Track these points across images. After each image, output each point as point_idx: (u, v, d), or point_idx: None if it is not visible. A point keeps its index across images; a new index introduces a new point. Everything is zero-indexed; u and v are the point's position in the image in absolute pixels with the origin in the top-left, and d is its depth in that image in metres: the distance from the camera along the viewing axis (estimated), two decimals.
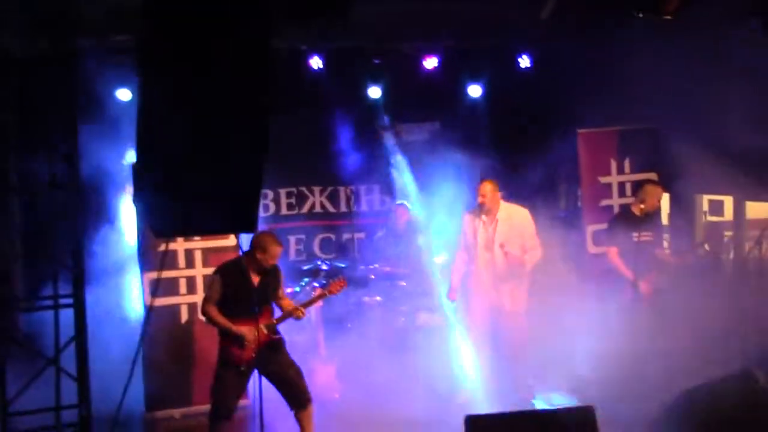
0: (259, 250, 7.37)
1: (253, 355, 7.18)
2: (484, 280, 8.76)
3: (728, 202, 10.59)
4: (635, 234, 8.61)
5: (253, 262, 7.41)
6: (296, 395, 7.52)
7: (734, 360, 7.74)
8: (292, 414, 7.61)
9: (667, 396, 7.20)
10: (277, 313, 7.63)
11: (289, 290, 9.92)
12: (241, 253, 7.68)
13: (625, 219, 9.20)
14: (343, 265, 10.70)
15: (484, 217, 8.76)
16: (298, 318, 7.63)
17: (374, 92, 11.69)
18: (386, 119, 12.21)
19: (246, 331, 7.27)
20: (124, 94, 10.32)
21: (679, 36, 8.42)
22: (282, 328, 7.61)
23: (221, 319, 7.35)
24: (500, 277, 8.68)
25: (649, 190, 9.18)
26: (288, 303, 7.78)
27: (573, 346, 8.76)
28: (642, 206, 8.94)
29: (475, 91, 12.05)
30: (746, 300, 8.72)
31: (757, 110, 8.01)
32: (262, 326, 7.40)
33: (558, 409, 6.30)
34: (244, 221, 5.77)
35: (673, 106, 9.20)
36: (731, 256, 10.40)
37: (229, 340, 7.34)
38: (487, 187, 8.72)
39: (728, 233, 10.60)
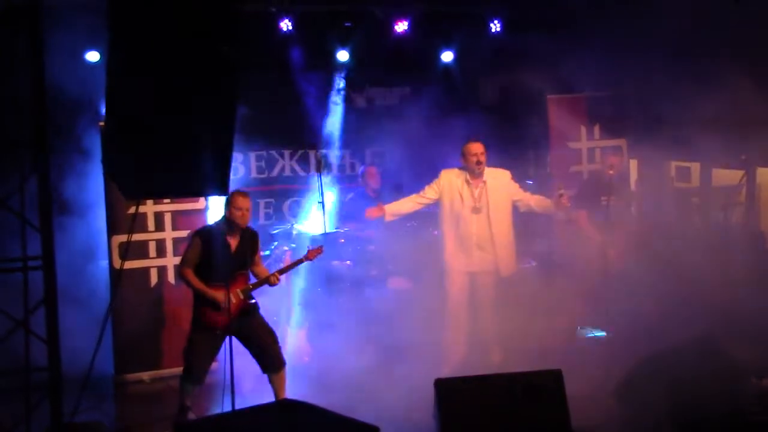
0: (228, 207, 7.39)
1: (228, 319, 7.18)
2: (470, 244, 8.50)
3: (695, 168, 10.68)
4: (604, 198, 8.65)
5: (229, 224, 7.42)
6: (270, 359, 7.55)
7: (697, 325, 7.83)
8: (260, 379, 7.63)
9: (632, 360, 7.32)
10: (252, 278, 7.64)
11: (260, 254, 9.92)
12: (207, 216, 7.68)
13: (595, 184, 9.25)
14: (312, 229, 10.68)
15: (469, 179, 8.50)
16: (272, 284, 7.64)
17: (344, 56, 11.64)
18: (356, 83, 12.18)
19: (221, 295, 7.26)
20: (92, 56, 10.18)
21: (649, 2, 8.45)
22: (255, 292, 7.62)
23: (197, 282, 7.34)
24: (489, 239, 8.49)
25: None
26: (262, 269, 7.79)
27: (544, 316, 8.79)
28: (611, 171, 8.98)
29: (445, 55, 12.04)
30: (710, 266, 8.79)
31: (725, 77, 8.05)
32: (237, 291, 7.40)
33: (526, 372, 6.35)
34: (216, 184, 5.78)
35: (643, 72, 9.24)
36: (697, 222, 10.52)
37: (204, 304, 7.34)
38: (478, 145, 8.45)
39: (695, 200, 10.71)
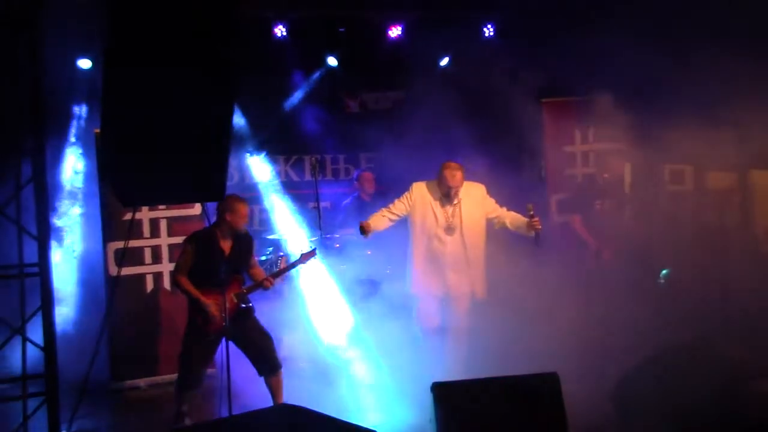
0: (228, 212, 7.39)
1: (222, 324, 7.19)
2: (443, 266, 7.94)
3: (689, 171, 10.69)
4: (599, 202, 8.65)
5: (224, 228, 7.43)
6: (266, 362, 7.56)
7: (693, 326, 7.87)
8: (258, 383, 7.63)
9: (629, 363, 7.34)
10: (247, 282, 7.65)
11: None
12: (207, 223, 7.68)
13: (590, 188, 9.26)
14: (307, 234, 10.70)
15: (443, 198, 7.94)
16: (266, 288, 7.65)
17: (338, 61, 11.66)
18: (350, 88, 12.21)
19: (215, 301, 7.27)
20: (85, 63, 10.19)
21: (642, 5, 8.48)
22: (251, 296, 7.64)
23: (191, 288, 7.34)
24: (464, 260, 7.94)
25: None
26: (259, 272, 7.81)
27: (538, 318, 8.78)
28: (606, 175, 8.99)
29: (439, 60, 12.06)
30: (706, 268, 8.82)
31: (718, 79, 8.08)
32: (231, 295, 7.42)
33: (523, 376, 6.35)
34: (212, 190, 5.79)
35: (637, 75, 9.26)
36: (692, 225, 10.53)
37: (198, 309, 7.34)
38: (459, 174, 7.86)
39: (689, 203, 10.71)
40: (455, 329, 8.06)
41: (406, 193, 8.07)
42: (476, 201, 8.03)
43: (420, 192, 8.02)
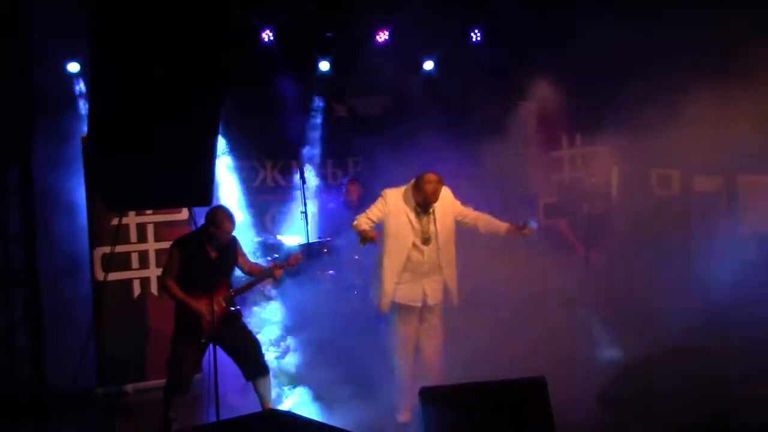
0: (213, 226, 7.35)
1: (211, 328, 7.17)
2: (419, 274, 7.70)
3: (676, 176, 10.73)
4: (586, 206, 8.66)
5: (209, 236, 7.40)
6: (254, 366, 7.54)
7: (681, 330, 7.89)
8: (245, 388, 7.62)
9: (616, 366, 7.36)
10: (235, 285, 7.64)
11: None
12: (194, 227, 7.67)
13: (577, 191, 9.28)
14: (296, 239, 10.70)
15: (418, 208, 7.67)
16: (276, 278, 7.66)
17: (326, 66, 11.66)
18: (338, 93, 12.21)
19: (203, 304, 7.25)
20: (73, 67, 10.13)
21: (627, 10, 8.52)
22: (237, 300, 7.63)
23: (179, 293, 7.31)
24: (439, 269, 7.72)
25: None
26: (255, 266, 7.80)
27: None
28: (593, 179, 9.01)
29: (426, 65, 12.08)
30: (692, 273, 8.85)
31: (706, 85, 8.12)
32: (219, 299, 7.39)
33: (510, 380, 6.36)
34: (199, 194, 5.79)
35: (624, 79, 9.30)
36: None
37: (186, 313, 7.31)
38: (440, 189, 7.64)
39: (676, 207, 10.75)
40: (432, 338, 7.90)
41: (379, 199, 7.76)
42: (446, 206, 7.80)
43: (394, 200, 7.71)
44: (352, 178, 11.46)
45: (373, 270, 7.93)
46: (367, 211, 7.72)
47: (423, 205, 7.65)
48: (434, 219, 7.71)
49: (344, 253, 10.37)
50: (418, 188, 7.64)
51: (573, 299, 8.65)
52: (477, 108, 11.45)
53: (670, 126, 8.74)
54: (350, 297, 9.87)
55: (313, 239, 10.42)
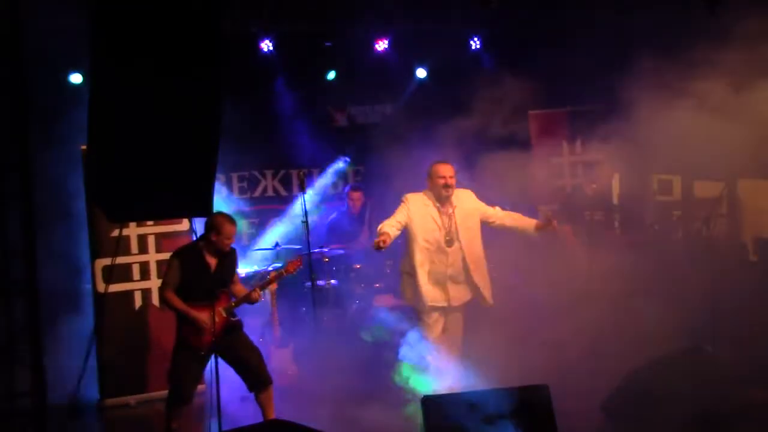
0: (213, 232, 7.31)
1: (212, 339, 7.15)
2: (444, 278, 7.81)
3: (677, 181, 10.72)
4: (588, 213, 8.63)
5: (209, 245, 7.36)
6: (256, 377, 7.50)
7: (683, 336, 7.87)
8: (248, 399, 7.60)
9: (619, 374, 7.34)
10: (233, 297, 7.61)
11: (243, 274, 9.89)
12: (194, 238, 7.64)
13: (579, 198, 9.26)
14: (297, 248, 10.68)
15: (438, 205, 7.78)
16: (254, 301, 7.61)
17: (325, 75, 11.68)
18: (337, 101, 12.23)
19: (204, 315, 7.22)
20: (75, 78, 10.14)
21: (624, 17, 8.52)
22: (238, 311, 7.59)
23: (180, 304, 7.28)
24: (463, 270, 7.82)
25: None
26: (240, 288, 7.75)
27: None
28: (594, 185, 8.99)
29: (425, 73, 12.09)
30: (694, 278, 8.83)
31: (705, 90, 8.11)
32: (220, 309, 7.36)
33: (513, 388, 6.33)
34: (199, 205, 5.75)
35: (625, 86, 9.28)
36: (680, 235, 10.56)
37: (187, 324, 7.29)
38: (449, 166, 7.76)
39: (677, 212, 10.75)
40: (452, 339, 8.00)
41: (401, 205, 7.85)
42: (469, 206, 7.91)
43: (415, 203, 7.82)
44: (354, 186, 11.46)
45: (402, 274, 8.05)
46: (392, 217, 7.79)
47: (439, 193, 7.75)
48: (455, 220, 7.79)
49: (346, 263, 10.37)
50: (429, 177, 7.83)
51: (575, 306, 8.62)
52: (475, 115, 11.44)
53: (671, 131, 8.72)
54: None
55: (314, 249, 10.40)
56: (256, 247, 10.86)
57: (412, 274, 7.86)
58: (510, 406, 6.15)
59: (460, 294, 7.90)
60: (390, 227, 7.65)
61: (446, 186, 7.72)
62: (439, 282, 7.83)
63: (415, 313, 8.06)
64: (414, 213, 7.77)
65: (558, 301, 8.76)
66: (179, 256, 7.41)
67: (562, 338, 8.71)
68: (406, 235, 7.88)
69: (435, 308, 7.87)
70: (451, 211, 7.80)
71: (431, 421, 6.12)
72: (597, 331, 8.46)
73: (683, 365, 7.14)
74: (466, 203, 7.91)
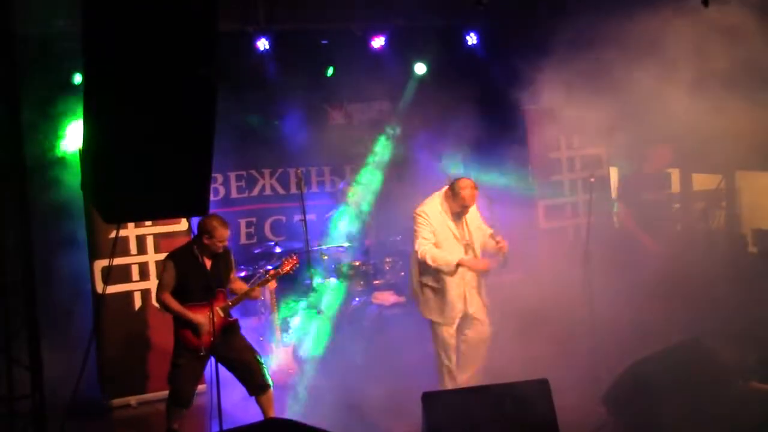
0: (206, 235, 7.29)
1: (211, 339, 7.14)
2: (464, 283, 7.76)
3: (675, 174, 10.73)
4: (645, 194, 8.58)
5: (202, 248, 7.34)
6: (255, 380, 7.49)
7: (683, 330, 7.88)
8: (249, 399, 7.59)
9: (619, 368, 7.33)
10: (231, 296, 7.60)
11: (242, 273, 9.90)
12: (188, 242, 7.64)
13: (635, 179, 9.24)
14: (296, 247, 10.69)
15: (454, 216, 7.76)
16: (254, 298, 7.60)
17: (322, 73, 11.68)
18: (334, 99, 12.23)
19: (202, 316, 7.22)
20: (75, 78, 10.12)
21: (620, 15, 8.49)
22: (238, 311, 7.59)
23: (177, 306, 7.28)
24: (478, 276, 7.83)
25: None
26: (240, 285, 7.76)
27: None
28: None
29: (422, 69, 12.09)
30: (694, 269, 8.83)
31: (702, 81, 8.10)
32: (217, 309, 7.35)
33: (513, 383, 6.33)
34: (196, 205, 5.74)
35: (621, 80, 9.28)
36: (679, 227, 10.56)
37: (185, 326, 7.28)
38: (475, 192, 7.68)
39: (676, 205, 10.75)
40: (478, 342, 7.90)
41: (419, 220, 7.71)
42: (478, 220, 7.93)
43: (435, 215, 7.71)
44: (350, 181, 11.46)
45: (423, 288, 7.90)
46: (421, 237, 7.66)
47: (459, 211, 7.71)
48: (468, 230, 7.80)
49: (344, 260, 10.38)
50: (455, 195, 7.68)
51: (575, 301, 8.60)
52: (473, 111, 11.44)
53: (669, 124, 8.73)
54: None
55: (313, 247, 10.41)
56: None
57: (440, 287, 7.78)
58: (510, 401, 6.15)
59: (475, 300, 7.85)
60: (432, 247, 7.62)
61: (463, 211, 7.71)
62: (461, 290, 7.76)
63: (432, 325, 7.92)
64: (435, 226, 7.69)
65: (558, 294, 8.74)
66: (173, 258, 7.40)
67: (563, 332, 8.71)
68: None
69: (457, 317, 7.81)
70: (462, 219, 7.80)
71: (431, 416, 6.12)
72: (597, 323, 8.46)
73: (683, 358, 7.13)
74: (476, 216, 7.92)
